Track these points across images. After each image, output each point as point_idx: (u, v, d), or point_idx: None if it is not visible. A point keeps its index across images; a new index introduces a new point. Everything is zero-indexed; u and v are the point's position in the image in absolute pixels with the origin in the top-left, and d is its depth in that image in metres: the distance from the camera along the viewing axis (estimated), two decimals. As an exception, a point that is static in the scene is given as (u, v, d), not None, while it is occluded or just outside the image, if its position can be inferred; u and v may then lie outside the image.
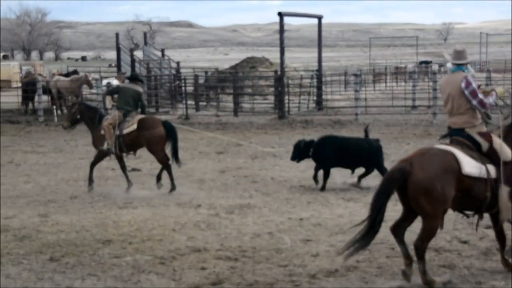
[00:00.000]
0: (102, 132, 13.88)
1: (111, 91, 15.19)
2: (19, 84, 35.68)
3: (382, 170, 13.36)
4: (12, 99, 31.74)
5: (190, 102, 29.15)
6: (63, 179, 15.09)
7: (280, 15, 27.19)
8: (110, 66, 69.68)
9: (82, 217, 11.52)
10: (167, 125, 13.88)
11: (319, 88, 29.96)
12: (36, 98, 29.08)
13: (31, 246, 9.71)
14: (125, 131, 13.76)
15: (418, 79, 38.18)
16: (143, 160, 17.38)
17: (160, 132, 13.71)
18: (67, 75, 32.63)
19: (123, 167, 14.22)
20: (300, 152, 13.93)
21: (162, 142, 13.77)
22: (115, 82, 29.48)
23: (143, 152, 18.72)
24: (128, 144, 13.88)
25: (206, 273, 8.44)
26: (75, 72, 33.86)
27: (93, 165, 14.19)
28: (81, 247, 9.62)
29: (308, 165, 16.40)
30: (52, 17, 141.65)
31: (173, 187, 13.58)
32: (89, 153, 18.74)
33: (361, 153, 13.60)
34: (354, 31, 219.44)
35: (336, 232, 10.24)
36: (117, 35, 37.56)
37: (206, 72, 37.59)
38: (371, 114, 26.57)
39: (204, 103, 31.42)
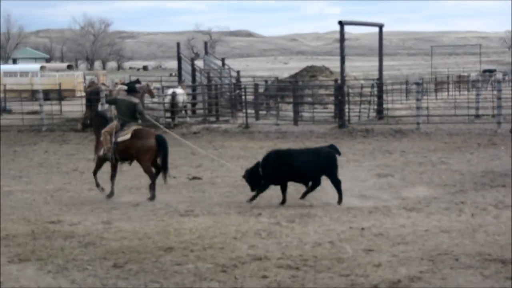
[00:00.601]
0: (102, 139, 14.38)
1: (109, 101, 15.83)
2: (83, 94, 36.42)
3: (334, 181, 13.19)
4: (76, 108, 32.40)
5: (250, 111, 29.25)
6: (126, 186, 15.29)
7: (341, 24, 27.11)
8: (171, 75, 70.57)
9: (145, 224, 11.65)
10: (159, 138, 14.20)
11: (380, 97, 29.73)
12: (99, 107, 29.61)
13: (95, 253, 9.86)
14: (120, 139, 14.17)
15: (482, 87, 37.52)
16: (204, 169, 17.56)
17: (151, 143, 14.08)
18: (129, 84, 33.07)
19: (113, 176, 14.46)
20: (253, 180, 13.29)
21: (150, 153, 14.13)
22: (179, 91, 29.84)
23: (204, 160, 18.91)
24: (121, 152, 14.22)
25: (267, 282, 8.43)
26: (137, 81, 34.31)
27: (95, 172, 14.57)
28: (144, 254, 9.72)
29: (369, 174, 16.33)
30: (114, 27, 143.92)
31: (152, 197, 13.89)
32: (151, 161, 18.99)
33: (310, 165, 13.16)
34: (415, 40, 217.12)
35: (398, 242, 10.12)
36: (178, 44, 38.00)
37: (266, 81, 37.68)
38: (433, 123, 26.21)
39: (264, 112, 31.49)
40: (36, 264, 9.29)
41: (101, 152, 14.42)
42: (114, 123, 14.34)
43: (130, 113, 14.38)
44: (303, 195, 13.31)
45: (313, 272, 8.78)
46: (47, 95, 37.10)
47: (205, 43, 44.37)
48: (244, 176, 13.40)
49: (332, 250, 9.78)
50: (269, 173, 13.10)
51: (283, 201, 13.23)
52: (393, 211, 12.31)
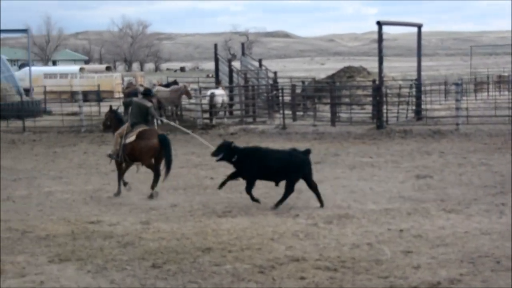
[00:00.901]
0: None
1: (125, 103, 15.89)
2: (121, 95, 36.74)
3: (309, 183, 13.15)
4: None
5: (287, 112, 29.21)
6: (163, 187, 15.34)
7: (379, 24, 26.95)
8: (207, 76, 70.85)
9: (182, 225, 11.71)
10: (162, 138, 14.47)
11: (418, 97, 29.48)
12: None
13: (134, 253, 9.93)
14: (127, 141, 14.51)
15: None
16: (241, 169, 17.54)
17: (153, 143, 14.36)
18: (167, 85, 33.27)
19: (119, 175, 14.83)
20: (225, 153, 13.50)
21: (151, 152, 14.44)
22: (218, 92, 29.97)
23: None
24: (129, 153, 14.54)
25: (305, 283, 8.41)
26: (175, 82, 34.50)
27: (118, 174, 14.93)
28: (182, 255, 9.77)
29: (408, 175, 16.19)
30: (152, 29, 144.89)
31: (152, 195, 14.25)
32: (188, 162, 19.12)
33: (282, 166, 13.05)
34: (454, 40, 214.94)
35: (437, 244, 10.02)
36: (215, 46, 38.12)
37: (303, 82, 37.60)
38: (472, 124, 25.90)
39: (301, 113, 31.41)
40: (76, 264, 9.39)
41: (108, 152, 15.09)
42: (125, 125, 14.81)
43: (141, 115, 14.74)
44: (277, 204, 13.00)
45: (351, 274, 8.74)
46: (86, 96, 37.53)
47: (242, 44, 44.48)
48: (223, 143, 13.84)
49: (370, 252, 9.72)
50: (248, 166, 13.27)
51: (252, 198, 13.20)
52: (432, 213, 12.20)
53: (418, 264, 9.03)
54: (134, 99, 16.51)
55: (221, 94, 29.97)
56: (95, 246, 10.30)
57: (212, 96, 29.52)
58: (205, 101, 29.94)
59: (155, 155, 14.55)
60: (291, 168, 13.10)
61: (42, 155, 20.85)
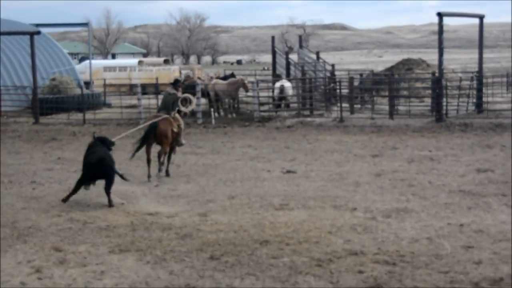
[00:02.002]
0: None
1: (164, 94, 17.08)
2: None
3: (107, 184, 12.97)
4: (172, 102, 32.89)
5: (345, 104, 29.01)
6: (221, 179, 15.44)
7: (440, 15, 26.51)
8: (263, 69, 70.79)
9: (240, 217, 11.74)
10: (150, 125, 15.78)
11: (479, 90, 28.93)
12: (195, 101, 29.99)
13: (192, 244, 10.00)
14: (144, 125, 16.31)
15: None
16: (298, 163, 17.54)
17: (160, 129, 15.70)
18: (224, 78, 33.39)
19: (148, 160, 15.86)
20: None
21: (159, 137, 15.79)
22: (287, 84, 30.10)
23: (298, 154, 18.92)
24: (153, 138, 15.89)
25: (363, 277, 8.35)
26: (232, 75, 34.59)
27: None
28: (240, 247, 9.80)
29: (468, 169, 15.92)
30: (210, 22, 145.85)
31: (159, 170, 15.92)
32: (245, 155, 19.16)
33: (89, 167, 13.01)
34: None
35: (499, 239, 9.83)
36: (273, 38, 38.10)
37: (361, 75, 37.30)
38: (535, 117, 25.29)
39: (359, 106, 31.17)
40: (136, 255, 9.51)
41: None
42: (151, 114, 16.25)
43: (167, 104, 16.16)
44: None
45: (410, 268, 8.64)
46: (145, 89, 37.89)
47: (299, 36, 44.37)
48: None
49: (430, 247, 9.59)
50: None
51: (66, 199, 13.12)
52: (493, 207, 11.97)
53: (479, 259, 8.87)
54: (167, 89, 16.91)
55: (289, 86, 30.21)
56: (154, 238, 10.41)
57: (282, 88, 29.72)
58: (276, 93, 30.23)
59: (165, 141, 15.75)
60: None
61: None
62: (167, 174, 16.13)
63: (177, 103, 16.25)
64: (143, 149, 15.98)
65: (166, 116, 16.00)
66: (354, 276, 8.41)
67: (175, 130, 16.14)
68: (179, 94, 16.43)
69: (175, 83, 16.81)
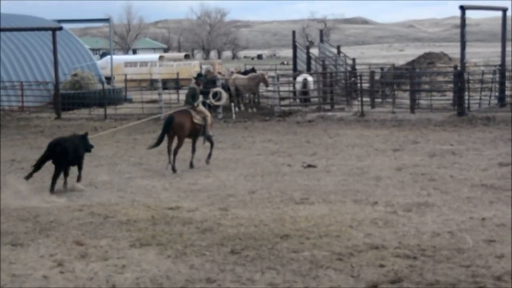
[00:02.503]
0: None
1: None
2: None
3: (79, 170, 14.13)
4: (193, 96, 32.94)
5: (366, 98, 28.90)
6: (241, 174, 15.45)
7: (462, 8, 26.31)
8: (282, 63, 70.59)
9: (260, 211, 11.74)
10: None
11: (501, 83, 28.66)
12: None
13: (212, 239, 10.02)
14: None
15: None
16: (319, 157, 17.51)
17: (177, 121, 16.15)
18: (245, 73, 33.36)
19: (168, 151, 16.30)
20: None
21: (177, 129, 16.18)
22: (310, 78, 30.10)
23: (318, 148, 18.90)
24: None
25: (384, 271, 8.32)
26: (253, 70, 34.56)
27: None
28: (260, 241, 9.80)
29: (490, 163, 15.81)
30: (230, 17, 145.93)
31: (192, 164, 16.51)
32: (265, 149, 19.16)
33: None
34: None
35: (522, 233, 9.75)
36: (293, 33, 38.03)
37: (382, 69, 37.12)
38: (559, 111, 25.04)
39: (380, 100, 31.02)
40: (156, 249, 9.55)
41: None
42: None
43: (187, 97, 16.68)
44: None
45: (432, 262, 8.60)
46: (165, 84, 37.98)
47: (320, 31, 44.25)
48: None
49: (451, 240, 9.54)
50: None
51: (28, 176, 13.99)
52: (516, 202, 11.86)
53: (501, 253, 8.81)
54: (191, 84, 17.28)
55: (312, 81, 30.22)
56: (175, 232, 10.44)
57: (305, 82, 29.72)
58: (298, 87, 30.23)
59: (180, 133, 16.15)
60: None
61: (122, 142, 21.27)
62: (191, 165, 16.51)
63: (197, 96, 16.50)
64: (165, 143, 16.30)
65: (184, 108, 16.56)
66: (375, 270, 8.38)
67: (198, 122, 16.38)
68: (200, 87, 16.85)
69: (197, 77, 17.25)
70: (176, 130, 16.17)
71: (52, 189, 13.66)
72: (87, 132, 15.07)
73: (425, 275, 8.10)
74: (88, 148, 14.53)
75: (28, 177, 13.90)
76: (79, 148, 14.26)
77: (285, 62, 72.82)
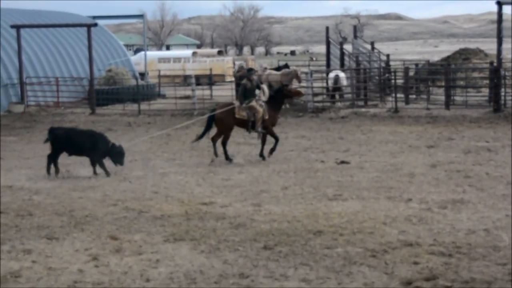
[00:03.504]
0: None
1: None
2: (232, 79, 37.12)
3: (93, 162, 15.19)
4: (225, 92, 33.11)
5: (400, 95, 28.71)
6: (274, 170, 15.44)
7: (499, 4, 26.00)
8: (311, 59, 70.08)
9: (293, 207, 11.73)
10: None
11: (538, 79, 28.27)
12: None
13: (245, 234, 10.03)
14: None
15: None
16: (352, 153, 17.44)
17: (219, 115, 16.76)
18: (278, 69, 33.32)
19: (213, 144, 16.88)
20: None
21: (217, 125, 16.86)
22: (341, 74, 30.02)
23: (351, 145, 18.83)
24: None
25: (419, 268, 8.25)
26: (286, 66, 34.53)
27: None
28: (293, 237, 9.78)
29: (527, 160, 15.59)
30: (263, 13, 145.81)
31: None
32: (298, 145, 19.12)
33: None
34: None
35: (560, 232, 9.60)
36: (327, 29, 37.86)
37: (416, 65, 36.82)
38: None
39: (414, 96, 30.79)
40: (190, 244, 9.58)
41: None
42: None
43: (241, 96, 16.86)
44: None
45: (467, 260, 8.51)
46: (199, 80, 38.15)
47: (354, 26, 43.94)
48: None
49: (487, 238, 9.44)
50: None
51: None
52: (553, 199, 11.70)
53: (539, 252, 8.69)
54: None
55: (344, 77, 30.14)
56: (208, 227, 10.47)
57: (337, 78, 29.64)
58: (330, 83, 30.16)
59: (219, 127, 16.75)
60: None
61: (156, 137, 21.36)
62: (261, 155, 16.94)
63: (242, 92, 16.85)
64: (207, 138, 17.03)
65: (229, 103, 17.26)
66: (409, 267, 8.32)
67: (241, 117, 16.73)
68: (245, 82, 17.08)
69: (248, 72, 17.95)
70: (216, 124, 16.82)
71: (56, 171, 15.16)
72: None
73: (460, 273, 8.02)
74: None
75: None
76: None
77: (314, 58, 72.30)
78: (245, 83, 16.99)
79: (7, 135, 23.08)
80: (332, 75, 30.42)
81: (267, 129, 16.89)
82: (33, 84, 32.12)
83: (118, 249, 9.38)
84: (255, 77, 17.87)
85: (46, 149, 15.63)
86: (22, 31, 31.68)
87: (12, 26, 31.70)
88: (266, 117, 16.78)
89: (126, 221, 11.01)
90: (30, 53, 33.59)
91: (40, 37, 35.46)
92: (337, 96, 30.66)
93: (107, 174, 15.02)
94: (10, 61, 31.95)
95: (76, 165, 15.85)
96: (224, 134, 16.85)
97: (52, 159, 15.28)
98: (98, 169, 15.22)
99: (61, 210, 11.82)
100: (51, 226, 10.76)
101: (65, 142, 15.33)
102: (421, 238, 9.50)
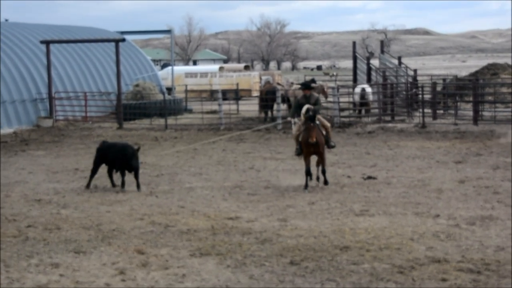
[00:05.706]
0: None
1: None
2: (259, 93, 37.19)
3: (135, 175, 15.15)
4: (252, 107, 33.15)
5: (427, 110, 28.55)
6: (301, 185, 15.39)
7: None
8: (331, 75, 68.51)
9: (320, 223, 11.68)
10: None
11: None
12: (275, 106, 30.13)
13: (272, 249, 10.01)
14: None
15: None
16: (379, 169, 17.35)
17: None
18: (304, 84, 33.28)
19: (306, 169, 15.38)
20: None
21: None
22: (368, 89, 29.99)
23: (378, 160, 18.73)
24: None
25: (447, 285, 8.18)
26: (312, 81, 34.51)
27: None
28: (320, 252, 9.75)
29: (557, 176, 15.39)
30: (290, 28, 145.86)
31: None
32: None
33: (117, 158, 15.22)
34: None
35: None
36: (354, 44, 37.83)
37: (444, 80, 36.63)
38: None
39: (442, 111, 30.61)
40: (216, 259, 9.58)
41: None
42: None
43: (297, 110, 15.74)
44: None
45: (496, 277, 8.42)
46: (225, 95, 38.25)
47: (381, 41, 43.87)
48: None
49: (517, 255, 9.31)
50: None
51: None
52: None
53: None
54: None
55: (370, 91, 30.12)
56: (234, 242, 10.46)
57: (363, 93, 29.62)
58: (357, 98, 30.13)
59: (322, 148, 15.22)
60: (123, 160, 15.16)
61: (183, 152, 21.44)
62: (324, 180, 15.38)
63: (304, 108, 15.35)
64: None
65: (311, 125, 15.12)
66: (437, 283, 8.25)
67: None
68: (299, 97, 16.30)
69: (303, 86, 16.61)
70: (318, 148, 15.12)
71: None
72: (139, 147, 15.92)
73: (489, 290, 7.94)
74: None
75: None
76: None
77: (335, 73, 69.62)
78: (298, 99, 15.92)
79: (35, 149, 23.30)
80: (358, 89, 30.38)
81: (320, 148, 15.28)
82: (62, 99, 32.44)
83: (145, 264, 9.41)
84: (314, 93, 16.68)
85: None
86: (52, 46, 32.06)
87: (42, 42, 32.11)
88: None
89: (153, 235, 11.04)
90: (59, 68, 33.97)
91: (69, 52, 35.85)
92: (363, 111, 30.58)
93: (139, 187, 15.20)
94: (39, 76, 32.32)
95: (103, 178, 15.95)
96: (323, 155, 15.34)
97: (108, 173, 15.61)
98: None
99: (88, 224, 11.89)
100: (78, 240, 10.83)
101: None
102: (449, 255, 9.42)
